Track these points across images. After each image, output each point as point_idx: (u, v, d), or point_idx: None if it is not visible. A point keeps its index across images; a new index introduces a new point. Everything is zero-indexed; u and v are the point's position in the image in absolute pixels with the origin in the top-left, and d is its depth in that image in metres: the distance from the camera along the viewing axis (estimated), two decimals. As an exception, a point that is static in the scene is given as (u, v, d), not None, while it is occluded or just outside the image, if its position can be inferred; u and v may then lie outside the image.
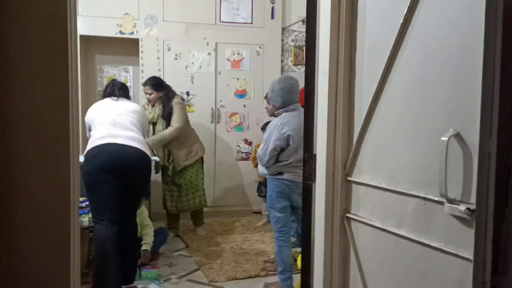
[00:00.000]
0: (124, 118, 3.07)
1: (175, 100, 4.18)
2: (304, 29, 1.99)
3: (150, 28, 4.90)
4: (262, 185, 4.80)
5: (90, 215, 3.03)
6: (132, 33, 4.87)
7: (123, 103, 3.22)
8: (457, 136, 1.22)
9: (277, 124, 3.10)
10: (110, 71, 5.27)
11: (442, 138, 1.23)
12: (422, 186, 1.34)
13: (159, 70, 4.96)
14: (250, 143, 5.34)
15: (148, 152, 3.09)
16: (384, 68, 1.46)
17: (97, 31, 4.73)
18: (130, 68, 5.30)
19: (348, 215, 1.65)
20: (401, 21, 1.37)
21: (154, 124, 4.25)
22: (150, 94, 4.16)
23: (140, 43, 4.91)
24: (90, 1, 4.59)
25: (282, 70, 5.39)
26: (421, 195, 1.33)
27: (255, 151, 4.58)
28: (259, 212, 5.20)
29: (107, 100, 3.24)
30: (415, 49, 1.36)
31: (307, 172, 1.82)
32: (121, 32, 4.84)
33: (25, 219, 1.37)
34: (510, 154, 1.36)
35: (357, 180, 1.60)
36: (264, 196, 4.72)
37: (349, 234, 1.64)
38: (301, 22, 5.21)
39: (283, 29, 5.34)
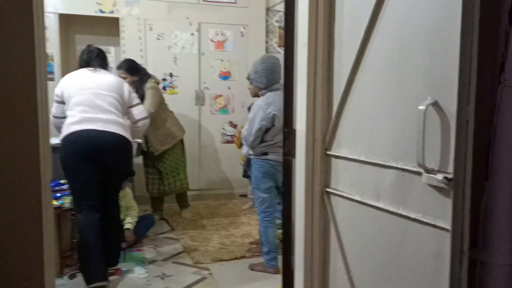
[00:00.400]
0: (102, 99, 2.85)
1: (148, 85, 4.04)
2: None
3: (131, 7, 4.79)
4: (245, 165, 4.77)
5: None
6: (113, 11, 4.75)
7: (100, 77, 2.93)
8: (435, 104, 1.19)
9: (262, 104, 3.05)
10: (91, 53, 5.16)
11: (420, 107, 1.20)
12: (400, 157, 1.31)
13: (141, 50, 4.87)
14: (235, 126, 5.29)
15: (128, 135, 2.93)
16: (362, 37, 1.42)
17: (76, 9, 4.61)
18: (112, 48, 5.20)
19: (327, 189, 1.62)
20: (380, -12, 1.33)
21: None
22: (125, 78, 3.85)
23: (121, 23, 4.79)
24: (69, -21, 4.47)
25: (267, 51, 5.32)
26: (399, 166, 1.31)
27: (240, 132, 4.54)
28: (245, 195, 5.18)
29: (83, 71, 2.95)
30: (392, 17, 1.32)
31: (287, 148, 1.79)
32: (101, 10, 4.72)
33: None
34: (490, 127, 1.34)
35: (336, 154, 1.58)
36: (248, 177, 4.69)
37: (328, 208, 1.61)
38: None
39: (267, 9, 5.26)
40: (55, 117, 2.93)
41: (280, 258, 3.22)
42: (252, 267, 3.31)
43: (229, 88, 5.23)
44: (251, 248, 3.64)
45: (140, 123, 3.11)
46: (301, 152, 1.71)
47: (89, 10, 4.59)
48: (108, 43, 5.13)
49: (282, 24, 5.31)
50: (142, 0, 4.80)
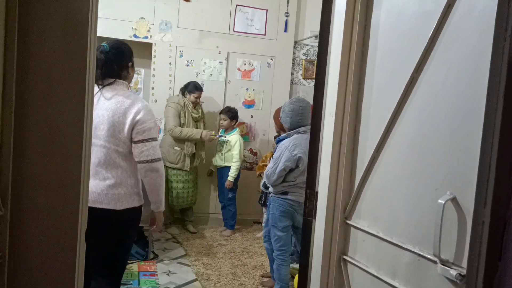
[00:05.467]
0: (97, 152, 2.16)
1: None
2: (316, 44, 2.00)
3: (164, 34, 4.96)
4: (263, 195, 4.86)
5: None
6: (146, 37, 4.94)
7: (103, 104, 2.19)
8: (454, 200, 1.26)
9: (288, 145, 3.13)
10: (122, 73, 5.34)
11: (439, 201, 1.27)
12: (417, 242, 1.38)
13: (170, 75, 5.03)
14: (255, 154, 5.39)
15: (130, 198, 2.24)
16: (388, 120, 1.50)
17: (113, 33, 4.77)
18: (142, 70, 5.36)
19: (345, 257, 1.69)
20: (408, 79, 1.41)
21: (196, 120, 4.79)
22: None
23: (153, 48, 4.97)
24: (107, 4, 4.65)
25: (292, 83, 5.43)
26: (415, 251, 1.37)
27: (262, 161, 4.65)
28: (260, 222, 5.25)
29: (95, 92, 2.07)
30: (418, 108, 1.40)
31: (308, 208, 1.87)
32: (135, 35, 4.91)
33: (34, 217, 1.42)
34: (507, 207, 1.40)
35: (356, 225, 1.65)
36: (264, 205, 4.78)
37: (344, 276, 1.68)
38: (314, 37, 5.25)
39: (295, 42, 5.38)
40: None
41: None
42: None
43: (252, 116, 5.35)
44: (263, 282, 3.70)
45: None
46: (321, 215, 1.78)
47: (125, 34, 4.78)
48: (139, 65, 5.29)
49: (309, 57, 5.43)
50: (175, 28, 4.96)
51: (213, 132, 4.76)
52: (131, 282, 3.42)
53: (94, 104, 2.08)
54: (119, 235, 2.29)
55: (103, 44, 2.38)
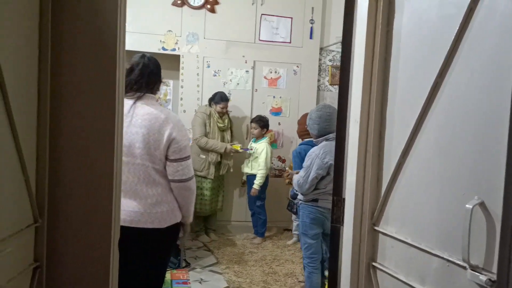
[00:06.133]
0: (135, 170, 2.13)
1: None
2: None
3: (191, 46, 5.06)
4: (291, 202, 4.86)
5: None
6: (174, 49, 5.05)
7: (136, 121, 2.13)
8: (482, 204, 1.24)
9: (319, 153, 3.12)
10: (152, 85, 5.48)
11: (467, 206, 1.25)
12: (445, 247, 1.36)
13: (197, 86, 5.11)
14: (283, 161, 5.40)
15: (172, 214, 2.23)
16: (413, 125, 1.49)
17: (141, 47, 4.90)
18: (171, 82, 5.47)
19: (374, 263, 1.68)
20: (432, 84, 1.41)
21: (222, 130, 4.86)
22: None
23: (181, 59, 5.07)
24: (135, 18, 4.79)
25: (318, 89, 5.43)
26: (444, 257, 1.36)
27: (291, 167, 4.66)
28: (290, 230, 5.24)
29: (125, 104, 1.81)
30: (443, 112, 1.39)
31: (335, 215, 1.87)
32: (163, 48, 5.03)
33: (69, 227, 1.48)
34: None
35: (384, 232, 1.64)
36: (294, 212, 4.78)
37: (374, 282, 1.67)
38: (339, 43, 5.23)
39: (321, 48, 5.38)
40: None
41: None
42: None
43: (279, 124, 5.37)
44: (294, 289, 3.70)
45: None
46: (349, 222, 1.78)
47: (153, 47, 4.90)
48: (168, 77, 5.41)
49: (335, 63, 5.42)
50: (202, 39, 5.06)
51: (239, 146, 4.79)
52: (164, 290, 3.47)
53: (127, 122, 2.11)
54: (163, 252, 2.29)
55: (144, 54, 2.38)
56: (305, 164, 3.18)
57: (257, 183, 4.78)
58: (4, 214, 1.23)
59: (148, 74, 2.26)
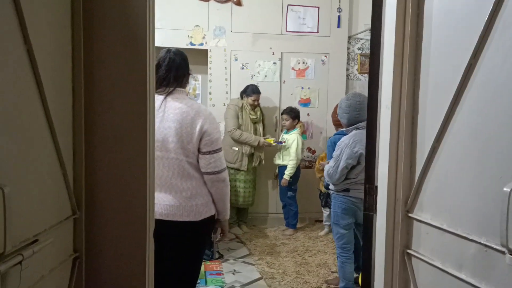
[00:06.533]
0: (169, 165, 2.17)
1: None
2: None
3: (219, 39, 5.09)
4: (322, 195, 4.85)
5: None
6: (202, 44, 5.09)
7: (168, 116, 2.17)
8: (521, 187, 1.20)
9: (348, 142, 3.09)
10: (181, 80, 5.55)
11: (505, 189, 1.22)
12: (483, 232, 1.33)
13: (226, 79, 5.14)
14: (313, 152, 5.38)
15: (207, 207, 2.26)
16: (447, 109, 1.46)
17: (170, 42, 4.95)
18: (199, 76, 5.52)
19: (408, 251, 1.66)
20: (465, 65, 1.37)
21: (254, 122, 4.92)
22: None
23: (209, 54, 5.11)
24: (163, 15, 4.84)
25: (347, 79, 5.37)
26: (482, 242, 1.33)
27: (321, 158, 4.64)
28: (321, 221, 5.23)
29: (156, 99, 2.00)
30: (478, 94, 1.35)
31: (368, 203, 1.85)
32: (191, 43, 5.07)
33: (106, 219, 1.53)
34: None
35: (419, 218, 1.61)
36: (325, 206, 4.78)
37: (409, 270, 1.65)
38: (368, 30, 5.15)
39: (349, 37, 5.31)
40: None
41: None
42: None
43: (308, 115, 5.34)
44: (328, 280, 3.69)
45: None
46: (382, 210, 1.76)
47: (181, 43, 4.95)
48: (196, 71, 5.46)
49: (364, 52, 5.34)
50: (229, 33, 5.07)
51: (272, 139, 4.80)
52: (198, 282, 3.53)
53: (160, 117, 2.15)
54: (198, 245, 2.33)
55: (170, 48, 2.39)
56: (335, 153, 3.16)
57: (288, 173, 4.78)
58: (44, 207, 1.28)
59: (176, 68, 2.28)
